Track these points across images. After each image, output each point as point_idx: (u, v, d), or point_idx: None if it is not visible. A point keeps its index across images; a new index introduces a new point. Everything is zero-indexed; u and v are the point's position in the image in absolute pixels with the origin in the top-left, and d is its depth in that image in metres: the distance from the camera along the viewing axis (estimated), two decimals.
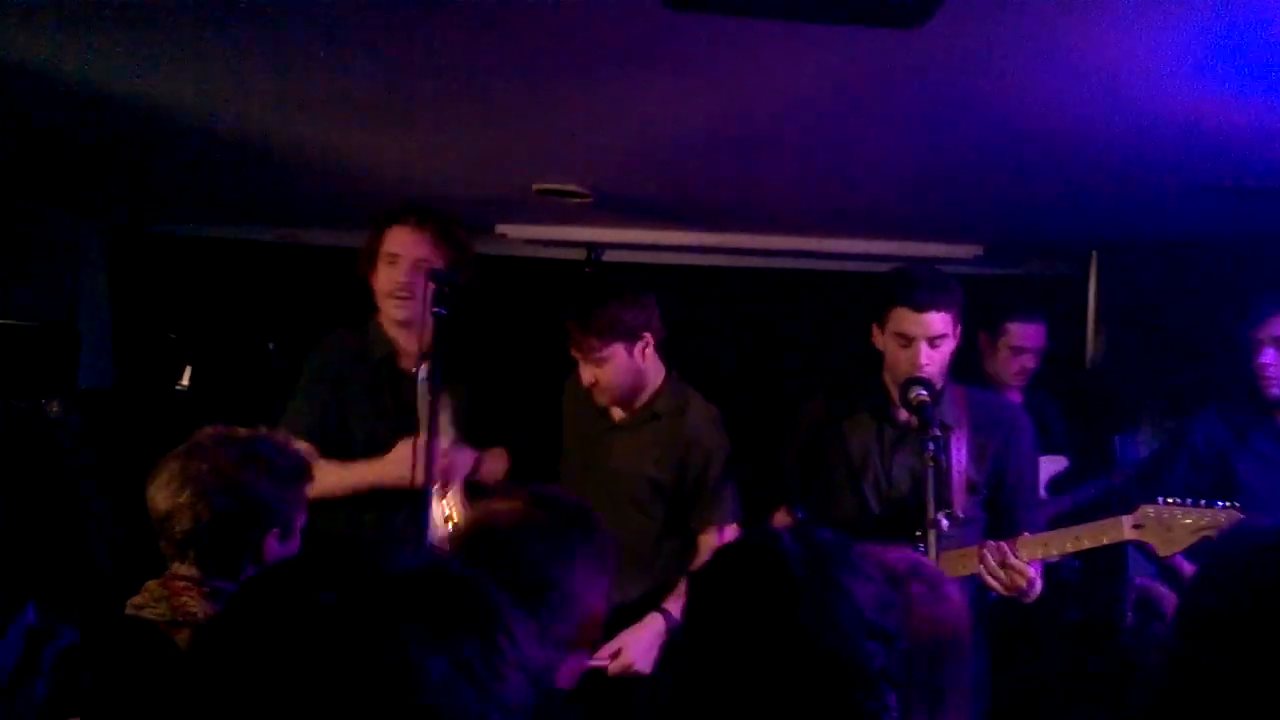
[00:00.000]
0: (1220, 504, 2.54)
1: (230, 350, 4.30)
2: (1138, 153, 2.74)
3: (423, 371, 2.75)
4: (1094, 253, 4.15)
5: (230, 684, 0.80)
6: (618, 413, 3.03)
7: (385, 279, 2.85)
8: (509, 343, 3.57)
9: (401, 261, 2.82)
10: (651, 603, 2.88)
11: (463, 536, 1.82)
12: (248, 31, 2.07)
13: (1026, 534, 2.63)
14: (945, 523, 2.51)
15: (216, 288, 4.45)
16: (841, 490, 2.87)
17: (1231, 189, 3.11)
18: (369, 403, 2.91)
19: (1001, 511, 2.83)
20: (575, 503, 1.79)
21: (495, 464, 3.03)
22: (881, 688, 1.19)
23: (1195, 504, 2.54)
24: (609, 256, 4.45)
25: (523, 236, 4.35)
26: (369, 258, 2.89)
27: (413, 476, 2.62)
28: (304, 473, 2.07)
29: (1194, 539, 2.50)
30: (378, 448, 2.82)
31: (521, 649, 0.86)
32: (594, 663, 2.75)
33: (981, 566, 2.58)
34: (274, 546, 1.97)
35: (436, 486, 2.69)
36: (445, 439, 2.77)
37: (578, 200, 3.60)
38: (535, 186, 3.46)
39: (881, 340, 2.77)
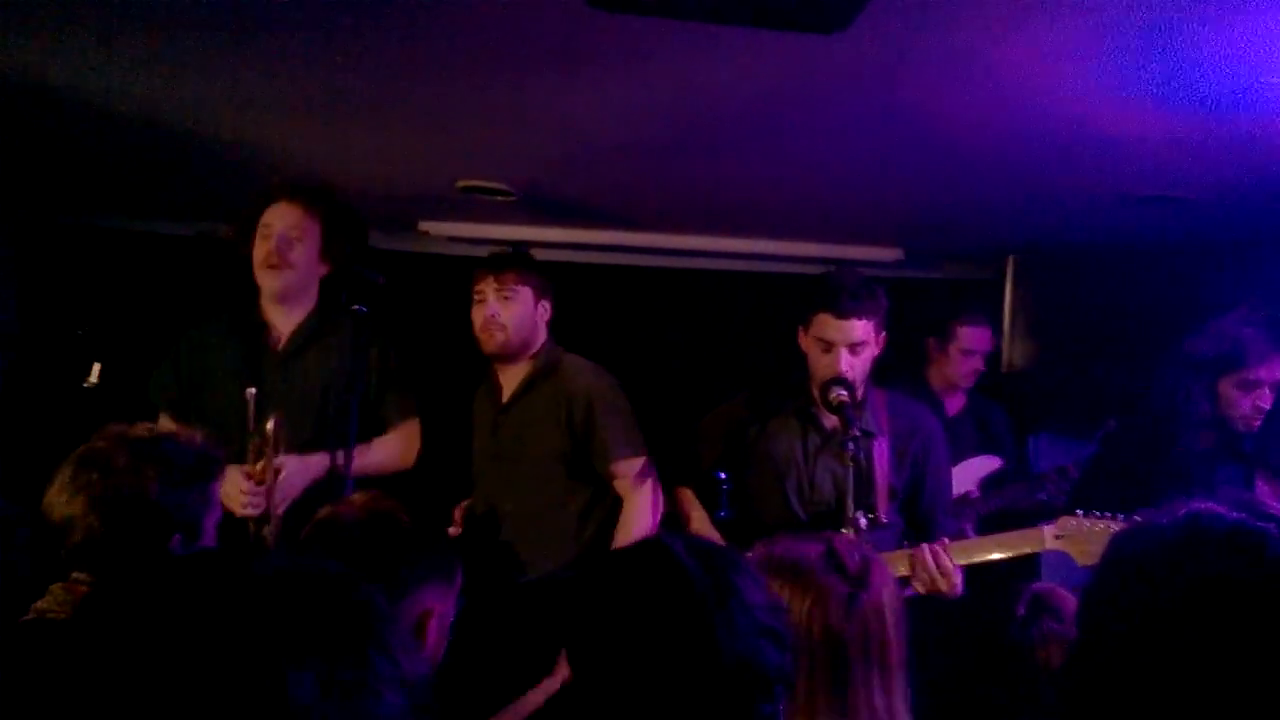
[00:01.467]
0: (1138, 518, 2.58)
1: (143, 347, 4.19)
2: (1051, 161, 2.81)
3: (251, 396, 2.68)
4: (1010, 257, 4.24)
5: (90, 691, 0.77)
6: (506, 391, 3.09)
7: (258, 251, 2.85)
8: (431, 340, 3.52)
9: (273, 231, 2.83)
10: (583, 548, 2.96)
11: (307, 533, 1.83)
12: (166, 22, 2.02)
13: (948, 539, 2.68)
14: (864, 521, 2.55)
15: (131, 282, 4.32)
16: (766, 492, 2.88)
17: (1141, 198, 3.20)
18: (225, 380, 2.86)
19: (919, 517, 2.88)
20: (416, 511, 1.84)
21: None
22: (776, 690, 1.22)
23: (1113, 518, 2.53)
24: (534, 255, 4.42)
25: (446, 234, 4.30)
26: (245, 233, 2.88)
27: (250, 509, 2.62)
28: (208, 471, 1.96)
29: None
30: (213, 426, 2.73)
31: (397, 662, 0.83)
32: None
33: (913, 570, 2.62)
34: (178, 551, 1.89)
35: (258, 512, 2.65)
36: (278, 460, 2.68)
37: (503, 198, 3.57)
38: (459, 184, 3.43)
39: (806, 343, 2.80)
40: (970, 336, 3.99)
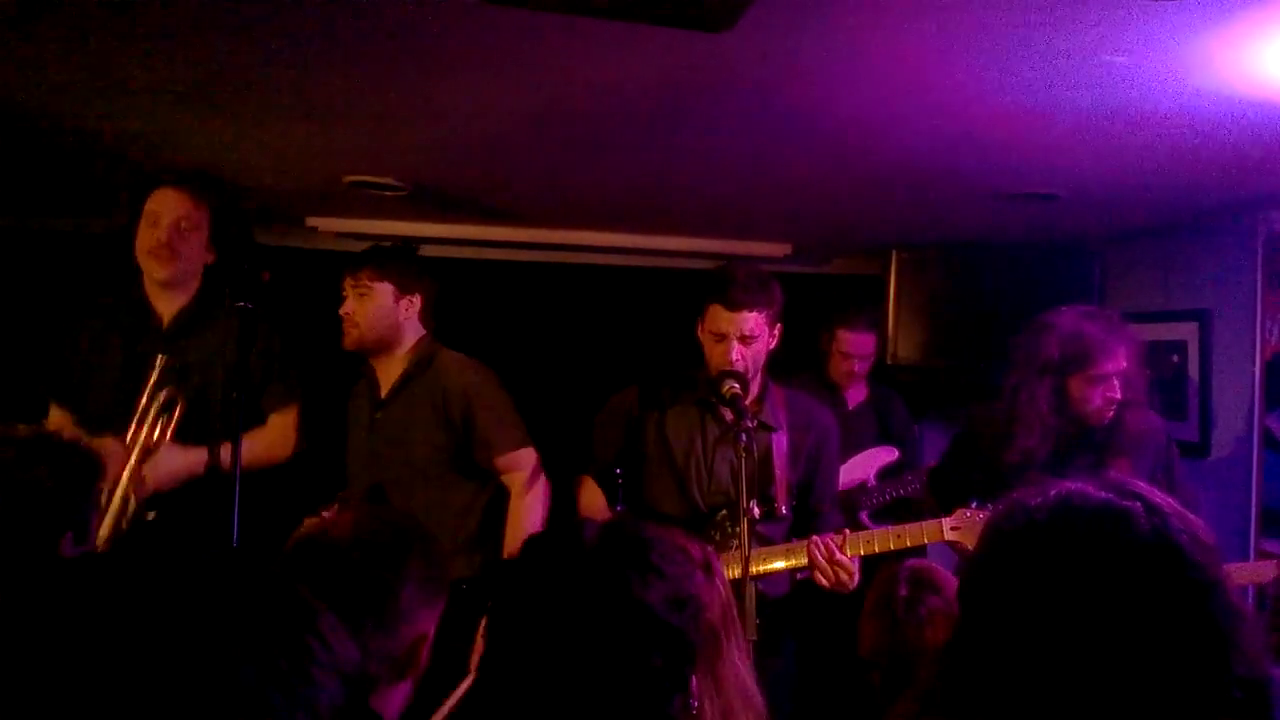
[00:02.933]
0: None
1: (21, 345, 4.01)
2: (932, 158, 2.89)
3: (154, 375, 2.69)
4: (894, 252, 4.36)
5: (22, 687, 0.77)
6: (383, 387, 3.08)
7: (145, 238, 2.82)
8: (318, 337, 3.45)
9: (162, 220, 2.80)
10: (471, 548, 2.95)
11: (292, 545, 1.75)
12: (50, 11, 1.94)
13: (847, 530, 2.75)
14: (757, 511, 2.60)
15: (5, 279, 4.14)
16: (664, 484, 2.91)
17: (1016, 195, 3.32)
18: (112, 365, 2.82)
19: (808, 511, 2.94)
20: (409, 518, 1.78)
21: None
22: (665, 688, 1.23)
23: None
24: (425, 251, 4.36)
25: (334, 229, 4.23)
26: (131, 222, 2.84)
27: (109, 476, 2.55)
28: (94, 472, 1.93)
29: None
30: (103, 409, 2.75)
31: (333, 650, 0.85)
32: None
33: (812, 562, 2.68)
34: (68, 550, 1.85)
35: (121, 486, 2.62)
36: (157, 443, 2.68)
37: (392, 193, 3.53)
38: (347, 178, 3.37)
39: (701, 336, 2.84)
40: (848, 341, 4.11)
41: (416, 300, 3.06)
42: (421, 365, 3.07)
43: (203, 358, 2.82)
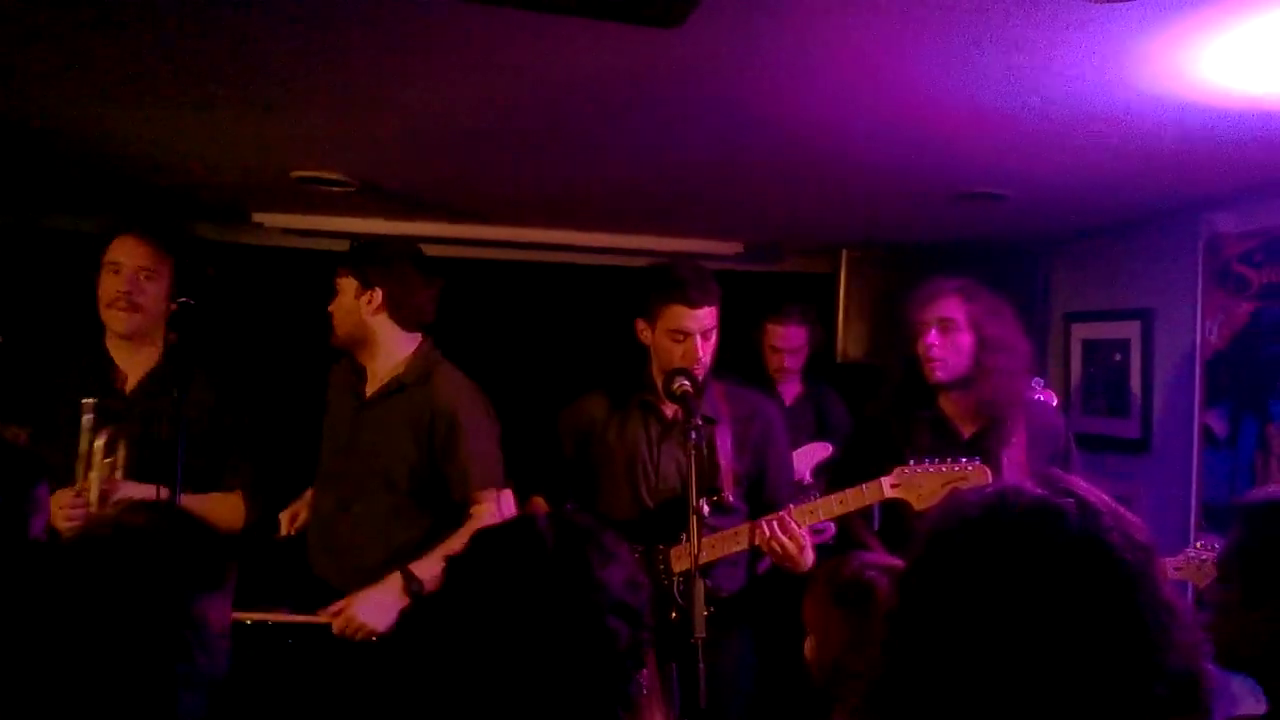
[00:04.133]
0: (964, 460, 2.71)
1: None
2: (881, 158, 2.92)
3: (87, 420, 2.61)
4: (844, 251, 4.39)
5: None
6: (370, 386, 2.98)
7: (107, 288, 2.75)
8: (263, 335, 3.42)
9: (124, 269, 2.74)
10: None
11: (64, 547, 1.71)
12: None
13: (791, 506, 2.75)
14: (706, 508, 2.60)
15: None
16: (614, 484, 2.91)
17: (964, 195, 3.36)
18: (71, 420, 2.69)
19: (765, 500, 2.95)
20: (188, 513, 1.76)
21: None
22: (626, 666, 1.26)
23: (943, 461, 2.67)
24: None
25: (281, 226, 4.18)
26: (94, 271, 2.77)
27: (73, 527, 2.50)
28: (31, 474, 1.89)
29: (944, 491, 2.62)
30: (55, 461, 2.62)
31: (197, 666, 0.85)
32: (321, 619, 2.72)
33: (760, 535, 2.68)
34: None
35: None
36: (112, 481, 2.62)
37: (340, 189, 3.49)
38: (294, 173, 3.33)
39: (650, 336, 2.83)
40: (777, 334, 4.12)
41: (376, 296, 2.90)
42: (418, 377, 2.93)
43: (174, 414, 2.73)
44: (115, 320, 2.76)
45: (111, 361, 2.81)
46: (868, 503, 2.76)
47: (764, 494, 2.95)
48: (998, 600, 1.06)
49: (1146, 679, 1.02)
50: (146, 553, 1.64)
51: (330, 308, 2.95)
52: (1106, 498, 1.12)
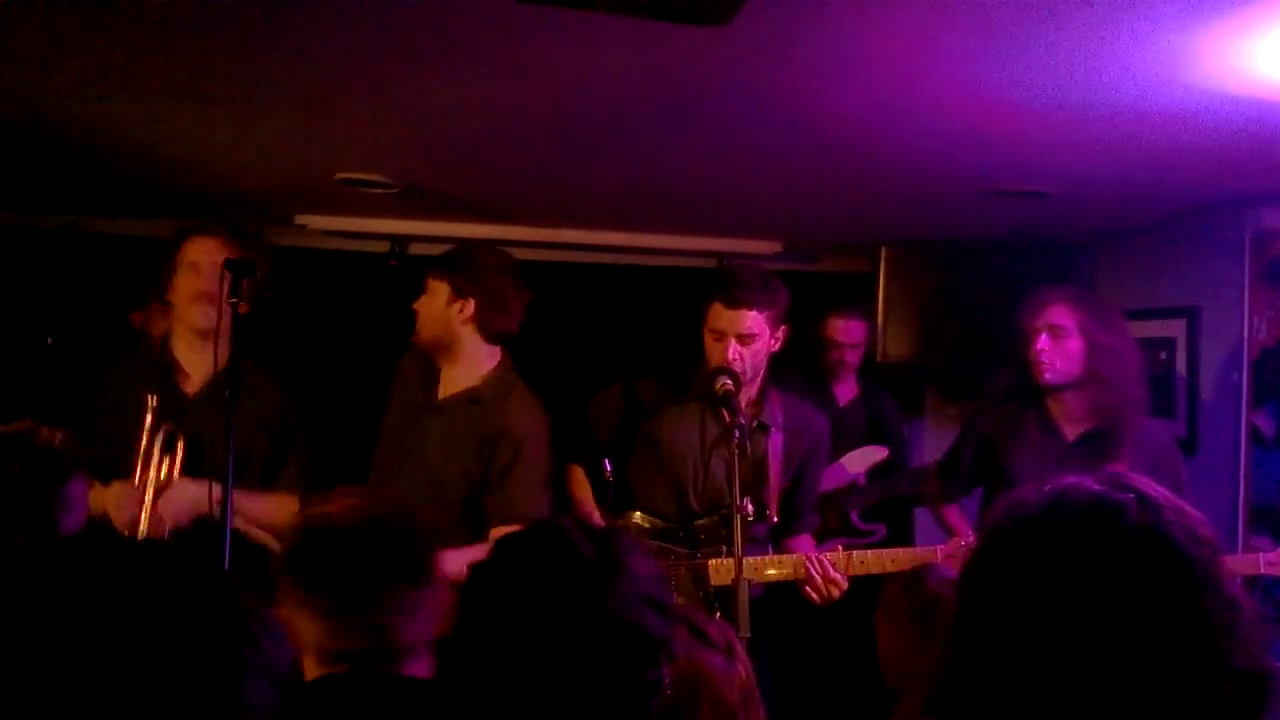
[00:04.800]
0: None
1: (3, 344, 3.99)
2: (923, 156, 2.90)
3: (149, 418, 2.67)
4: (883, 249, 4.36)
5: None
6: (443, 390, 2.96)
7: (187, 285, 2.82)
8: (308, 337, 3.45)
9: (203, 268, 2.80)
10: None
11: (297, 538, 1.75)
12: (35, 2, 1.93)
13: (842, 549, 2.81)
14: (750, 508, 2.61)
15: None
16: (657, 481, 2.91)
17: (1005, 192, 3.33)
18: (127, 421, 2.76)
19: (790, 511, 2.96)
20: (405, 502, 1.80)
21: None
22: (660, 657, 1.28)
23: None
24: (415, 250, 4.36)
25: (323, 228, 4.21)
26: (168, 273, 2.85)
27: (126, 520, 2.58)
28: (61, 472, 1.92)
29: None
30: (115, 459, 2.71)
31: (265, 655, 0.87)
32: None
33: (808, 580, 2.71)
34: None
35: (141, 526, 2.60)
36: (168, 479, 2.68)
37: (382, 191, 3.51)
38: (337, 175, 3.35)
39: (704, 335, 2.85)
40: (840, 328, 4.10)
41: (469, 307, 2.91)
42: (495, 394, 2.93)
43: (233, 414, 2.76)
44: (198, 316, 2.82)
45: (175, 361, 2.86)
46: (917, 564, 2.77)
47: (791, 505, 2.96)
48: (1059, 598, 1.05)
49: (1213, 677, 1.01)
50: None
51: (416, 305, 2.93)
52: (1169, 493, 1.11)
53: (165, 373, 2.85)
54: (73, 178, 3.58)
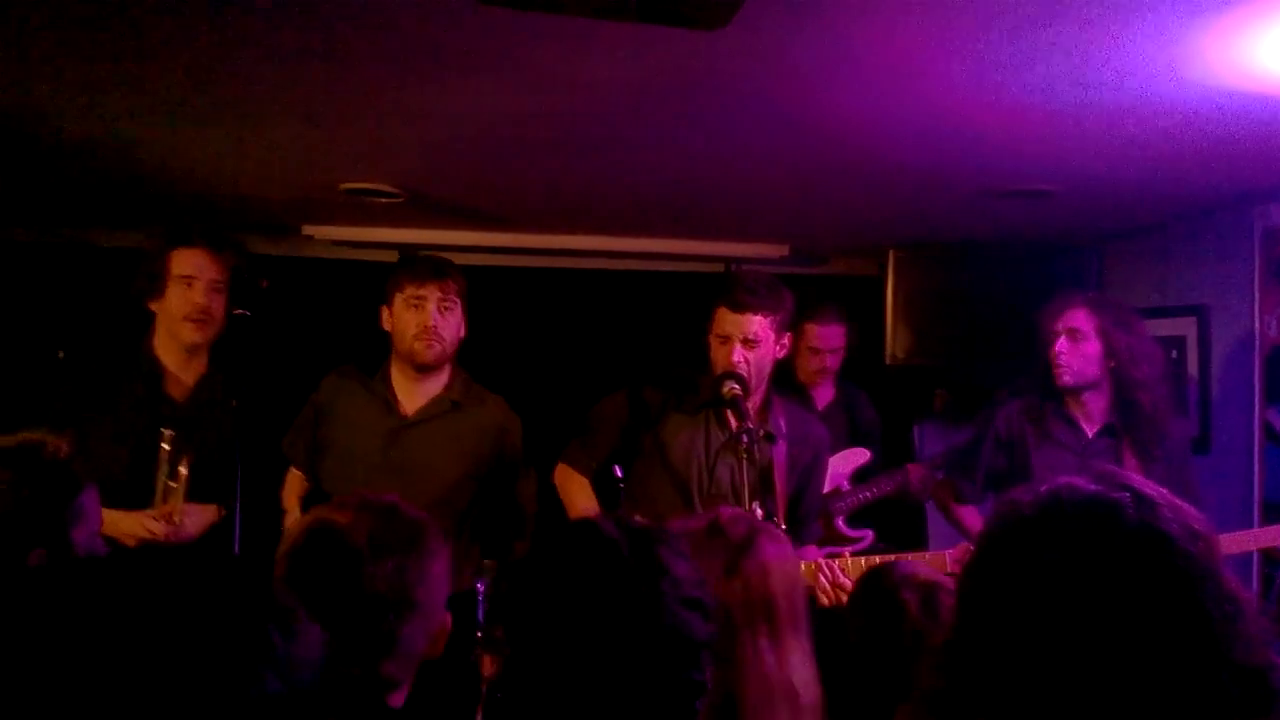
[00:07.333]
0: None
1: (12, 356, 4.01)
2: (927, 157, 2.89)
3: (165, 450, 2.71)
4: (890, 252, 4.36)
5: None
6: (409, 405, 2.98)
7: (181, 301, 2.80)
8: (316, 346, 3.46)
9: (198, 284, 2.80)
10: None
11: (296, 550, 1.70)
12: (37, 17, 1.94)
13: (849, 555, 2.82)
14: (760, 511, 2.60)
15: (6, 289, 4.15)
16: (663, 486, 2.91)
17: (1009, 192, 3.32)
18: (114, 427, 2.78)
19: (795, 521, 2.95)
20: (412, 510, 1.76)
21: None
22: (702, 657, 1.27)
23: None
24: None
25: (330, 238, 4.23)
26: (154, 280, 2.81)
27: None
28: (73, 484, 1.90)
29: None
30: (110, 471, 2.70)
31: (282, 657, 0.88)
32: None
33: (815, 584, 2.71)
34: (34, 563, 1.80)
35: None
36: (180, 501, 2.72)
37: (388, 200, 3.53)
38: (343, 186, 3.37)
39: (710, 340, 2.85)
40: (817, 334, 4.03)
41: (464, 325, 3.03)
42: (471, 398, 3.03)
43: (224, 424, 2.83)
44: (191, 332, 2.81)
45: (164, 371, 2.86)
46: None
47: (796, 515, 2.96)
48: (1058, 598, 1.04)
49: (1213, 672, 1.00)
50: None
51: (438, 325, 2.93)
52: (1164, 490, 1.10)
53: (155, 381, 2.85)
54: (82, 193, 3.60)
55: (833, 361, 4.08)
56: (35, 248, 4.18)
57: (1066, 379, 3.14)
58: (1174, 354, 4.00)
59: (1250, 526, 3.56)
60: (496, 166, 3.14)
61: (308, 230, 4.19)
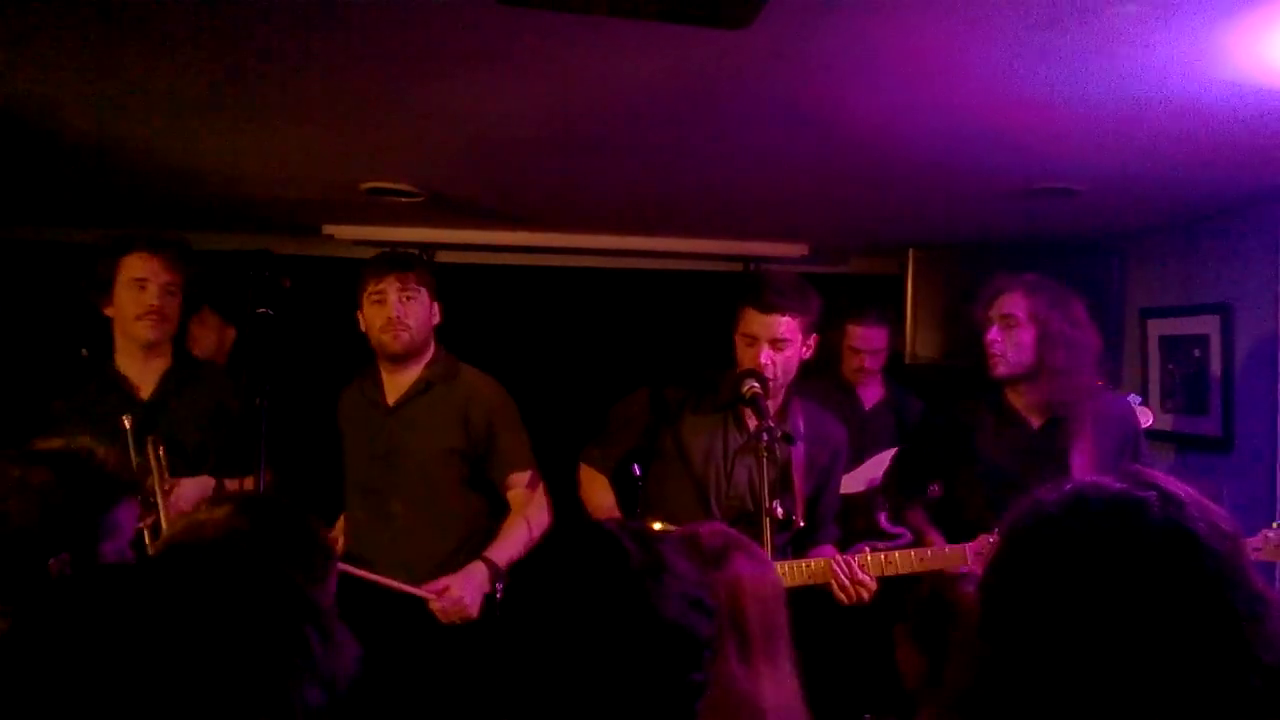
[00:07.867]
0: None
1: (38, 358, 4.05)
2: (948, 156, 2.88)
3: (128, 424, 2.75)
4: (910, 251, 4.34)
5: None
6: (392, 396, 3.09)
7: (134, 303, 2.90)
8: (337, 346, 3.47)
9: (150, 285, 2.90)
10: (470, 555, 2.96)
11: (167, 549, 1.70)
12: (60, 18, 1.96)
13: (868, 549, 2.79)
14: (780, 511, 2.59)
15: (27, 290, 4.18)
16: (681, 488, 2.91)
17: (1033, 191, 3.31)
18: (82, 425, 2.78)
19: (813, 521, 2.94)
20: (288, 505, 1.77)
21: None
22: (705, 657, 1.27)
23: None
24: (442, 257, 4.40)
25: (351, 238, 4.25)
26: (104, 287, 2.92)
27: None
28: (109, 498, 1.85)
29: None
30: None
31: (316, 662, 0.87)
32: (421, 592, 2.81)
33: (834, 581, 2.70)
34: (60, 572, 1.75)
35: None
36: (171, 481, 2.78)
37: (408, 200, 3.54)
38: (364, 185, 3.38)
39: (736, 340, 2.84)
40: (858, 335, 4.06)
41: (438, 309, 3.14)
42: (446, 374, 3.12)
43: (191, 414, 2.95)
44: (145, 329, 2.91)
45: (127, 382, 2.96)
46: (946, 565, 2.74)
47: (814, 516, 2.95)
48: (1084, 597, 1.04)
49: (1240, 671, 1.00)
50: (255, 551, 1.66)
51: (404, 314, 3.05)
52: (1190, 489, 1.09)
53: (115, 384, 2.94)
54: (103, 193, 3.63)
55: (872, 362, 4.09)
56: (56, 248, 4.21)
57: (1000, 369, 3.00)
58: (1197, 353, 3.97)
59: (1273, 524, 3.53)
60: (517, 166, 3.14)
61: (328, 230, 4.21)
